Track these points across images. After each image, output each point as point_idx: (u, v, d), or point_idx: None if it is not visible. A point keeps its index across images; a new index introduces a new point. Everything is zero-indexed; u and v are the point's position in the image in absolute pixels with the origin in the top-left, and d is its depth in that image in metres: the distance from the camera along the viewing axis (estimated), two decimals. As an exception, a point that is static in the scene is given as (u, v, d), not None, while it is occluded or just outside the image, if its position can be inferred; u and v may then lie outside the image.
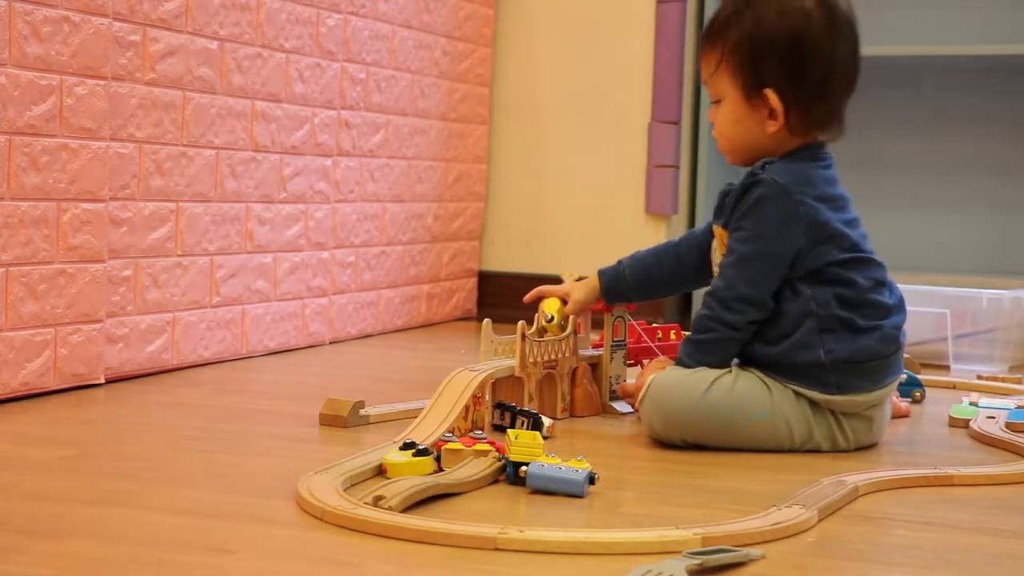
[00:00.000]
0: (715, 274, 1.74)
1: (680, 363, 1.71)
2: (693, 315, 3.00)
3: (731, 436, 1.65)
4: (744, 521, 1.26)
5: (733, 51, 1.70)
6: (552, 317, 1.86)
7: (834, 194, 1.71)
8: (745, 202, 1.68)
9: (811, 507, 1.32)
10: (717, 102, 1.74)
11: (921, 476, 1.52)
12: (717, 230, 1.75)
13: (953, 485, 1.52)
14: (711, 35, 1.74)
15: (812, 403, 1.67)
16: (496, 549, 1.17)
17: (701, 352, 1.69)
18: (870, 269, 1.69)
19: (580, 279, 1.92)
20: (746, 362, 1.70)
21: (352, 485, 1.38)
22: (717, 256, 1.76)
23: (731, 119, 1.73)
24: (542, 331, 1.86)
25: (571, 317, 1.86)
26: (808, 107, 1.70)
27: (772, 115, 1.70)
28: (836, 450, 1.68)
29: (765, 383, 1.67)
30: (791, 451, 1.67)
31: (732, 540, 1.20)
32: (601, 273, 1.89)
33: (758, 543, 1.22)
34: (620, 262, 1.89)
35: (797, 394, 1.67)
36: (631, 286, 1.87)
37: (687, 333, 2.05)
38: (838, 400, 1.67)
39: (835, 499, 1.38)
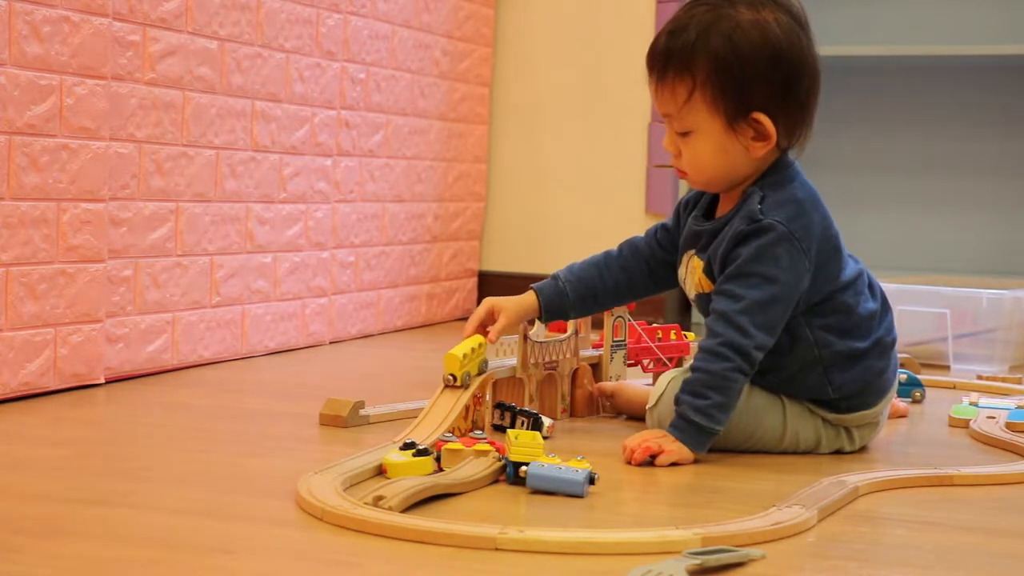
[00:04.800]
0: (693, 301, 1.69)
1: (704, 431, 1.56)
2: (692, 318, 2.99)
3: (742, 446, 1.64)
4: (744, 521, 1.26)
5: (708, 79, 1.57)
6: (454, 377, 1.63)
7: (815, 201, 1.64)
8: (748, 247, 1.58)
9: (811, 507, 1.32)
10: (685, 134, 1.61)
11: (921, 476, 1.52)
12: (694, 261, 1.67)
13: (953, 485, 1.52)
14: (674, 65, 1.59)
15: (824, 419, 1.67)
16: (496, 549, 1.17)
17: (725, 411, 1.57)
18: (858, 283, 1.66)
19: None
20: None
21: (352, 485, 1.38)
22: (690, 286, 1.68)
23: (713, 151, 1.60)
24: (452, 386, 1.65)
25: (574, 322, 1.85)
26: (795, 121, 1.61)
27: (759, 137, 1.59)
28: (841, 453, 1.68)
29: (779, 397, 1.66)
30: (794, 453, 1.66)
31: (732, 540, 1.20)
32: (539, 290, 1.74)
33: (758, 543, 1.22)
34: (557, 277, 1.74)
35: (811, 410, 1.66)
36: (572, 303, 1.74)
37: (689, 337, 2.05)
38: (850, 418, 1.67)
39: (835, 499, 1.38)
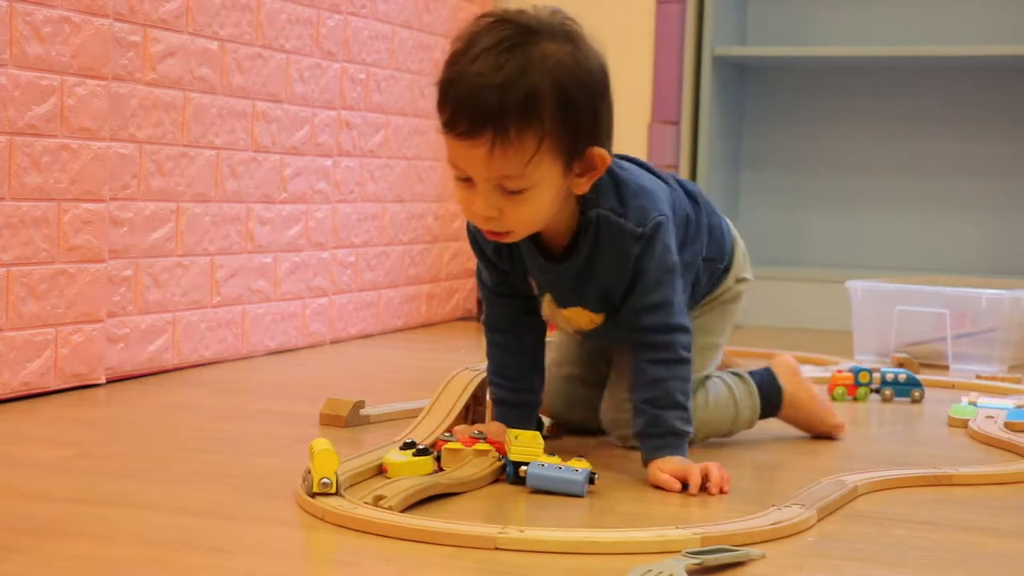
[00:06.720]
0: (578, 331, 1.61)
1: (687, 434, 1.51)
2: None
3: (716, 425, 1.67)
4: (744, 521, 1.26)
5: (554, 121, 1.40)
6: (328, 481, 1.30)
7: (634, 169, 1.56)
8: (647, 258, 1.49)
9: (811, 507, 1.32)
10: (518, 192, 1.41)
11: (921, 476, 1.52)
12: (582, 313, 1.56)
13: (953, 485, 1.52)
14: (517, 116, 1.39)
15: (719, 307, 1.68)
16: (496, 549, 1.17)
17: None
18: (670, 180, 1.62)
19: None
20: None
21: (352, 485, 1.38)
22: (568, 327, 1.61)
23: (551, 200, 1.43)
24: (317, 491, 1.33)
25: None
26: (609, 144, 1.47)
27: (585, 172, 1.44)
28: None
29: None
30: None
31: (732, 540, 1.20)
32: (507, 419, 1.56)
33: (758, 543, 1.22)
34: (503, 402, 1.58)
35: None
36: (538, 394, 1.60)
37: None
38: (734, 285, 1.68)
39: (835, 499, 1.38)
